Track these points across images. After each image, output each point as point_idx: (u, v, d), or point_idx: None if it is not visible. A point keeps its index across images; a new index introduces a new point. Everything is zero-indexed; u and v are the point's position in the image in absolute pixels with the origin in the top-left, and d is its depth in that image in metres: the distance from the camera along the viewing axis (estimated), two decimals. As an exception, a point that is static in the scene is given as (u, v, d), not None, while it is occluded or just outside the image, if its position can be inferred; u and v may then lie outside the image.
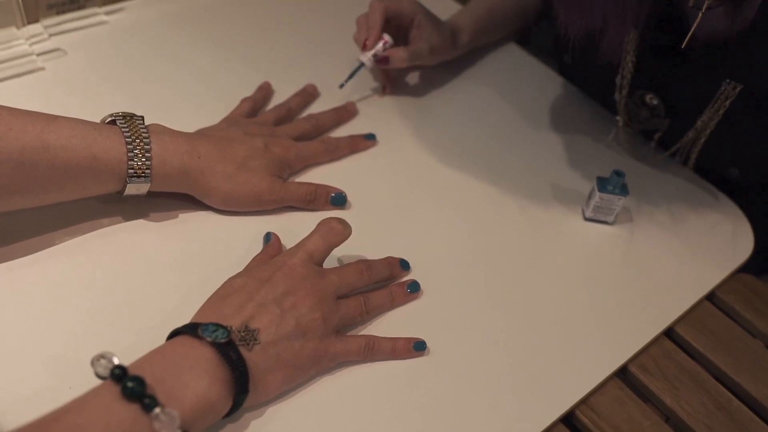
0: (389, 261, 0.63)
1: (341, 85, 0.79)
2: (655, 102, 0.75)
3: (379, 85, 0.83)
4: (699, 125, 0.72)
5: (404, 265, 0.64)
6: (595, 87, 0.85)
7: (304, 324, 0.53)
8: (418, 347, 0.59)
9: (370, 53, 0.78)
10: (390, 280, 0.63)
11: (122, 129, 0.59)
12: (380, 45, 0.78)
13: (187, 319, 0.54)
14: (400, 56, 0.78)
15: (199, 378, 0.47)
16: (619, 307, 0.66)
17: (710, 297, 0.70)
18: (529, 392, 0.58)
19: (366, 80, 0.84)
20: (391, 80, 0.83)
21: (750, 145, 0.73)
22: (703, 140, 0.74)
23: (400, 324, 0.61)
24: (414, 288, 0.63)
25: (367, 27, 0.78)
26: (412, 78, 0.86)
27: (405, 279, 0.64)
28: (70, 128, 0.57)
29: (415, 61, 0.79)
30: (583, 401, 0.59)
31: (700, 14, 0.60)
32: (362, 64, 0.78)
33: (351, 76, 0.79)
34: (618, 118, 0.79)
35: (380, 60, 0.78)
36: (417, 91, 0.85)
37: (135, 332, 0.56)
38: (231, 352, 0.49)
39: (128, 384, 0.44)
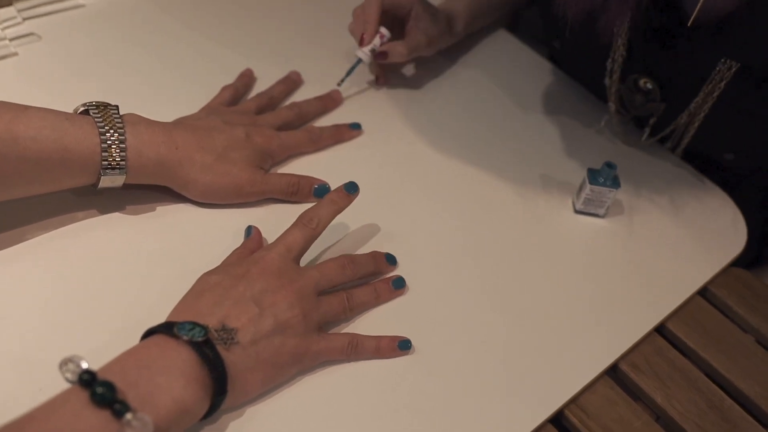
0: (374, 255, 0.61)
1: (339, 83, 0.77)
2: (649, 86, 0.73)
3: (362, 69, 0.81)
4: (693, 108, 0.71)
5: (390, 260, 0.62)
6: (586, 73, 0.84)
7: (283, 321, 0.52)
8: (403, 346, 0.57)
9: (367, 48, 0.75)
10: (375, 276, 0.62)
11: (95, 119, 0.57)
12: (377, 40, 0.76)
13: (163, 318, 0.52)
14: (398, 51, 0.76)
15: (174, 380, 0.46)
16: (609, 302, 0.65)
17: (702, 292, 0.68)
18: (516, 392, 0.57)
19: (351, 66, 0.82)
20: (382, 69, 0.81)
21: (747, 128, 0.71)
22: (697, 124, 0.73)
23: (384, 321, 0.59)
24: (399, 284, 0.61)
25: (364, 21, 0.76)
26: (401, 65, 0.84)
27: (391, 275, 0.62)
28: (40, 119, 0.55)
29: (414, 54, 0.78)
30: (573, 401, 0.58)
31: None
32: (360, 60, 0.76)
33: (349, 72, 0.76)
34: (610, 104, 0.77)
35: (378, 55, 0.76)
36: (405, 79, 0.83)
37: (109, 331, 0.54)
38: (208, 351, 0.48)
39: (97, 389, 0.42)
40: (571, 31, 0.64)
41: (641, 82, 0.74)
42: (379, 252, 0.62)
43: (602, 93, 0.79)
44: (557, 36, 0.83)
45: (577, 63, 0.85)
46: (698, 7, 0.61)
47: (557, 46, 0.85)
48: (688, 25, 0.61)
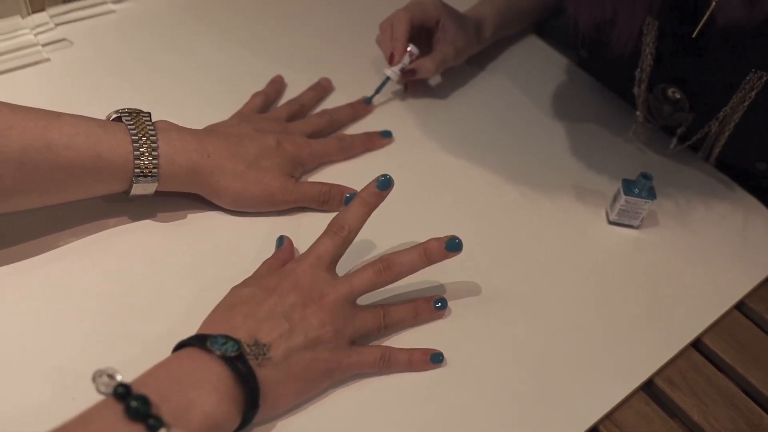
0: (425, 249, 0.56)
1: (368, 100, 0.76)
2: (677, 96, 0.72)
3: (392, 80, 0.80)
4: (722, 117, 0.69)
5: (452, 246, 0.56)
6: (614, 82, 0.82)
7: (314, 338, 0.51)
8: (435, 359, 0.56)
9: (396, 68, 0.75)
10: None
11: (128, 126, 0.57)
12: (406, 58, 0.75)
13: (194, 328, 0.52)
14: (426, 67, 0.75)
15: (207, 395, 0.45)
16: (644, 316, 0.63)
17: (739, 306, 0.67)
18: (550, 407, 0.56)
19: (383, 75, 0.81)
20: (413, 82, 0.80)
21: None
22: (727, 133, 0.71)
23: (413, 332, 0.59)
24: (442, 305, 0.60)
25: (393, 38, 0.75)
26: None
27: (433, 295, 0.61)
28: (73, 126, 0.55)
29: (442, 67, 0.77)
30: (607, 417, 0.57)
31: (714, 2, 0.59)
32: (388, 78, 0.76)
33: (378, 90, 0.76)
34: (638, 113, 0.76)
35: (407, 72, 0.76)
36: (434, 86, 0.82)
37: (141, 342, 0.54)
38: (241, 366, 0.47)
39: (132, 403, 0.41)
40: (594, 41, 0.63)
41: (669, 91, 0.72)
42: (435, 241, 0.57)
43: (631, 101, 0.78)
44: (584, 46, 0.82)
45: (604, 72, 0.83)
46: (703, 20, 0.61)
47: (585, 56, 0.84)
48: (692, 36, 0.61)
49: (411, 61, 0.75)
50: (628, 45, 0.68)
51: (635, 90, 0.75)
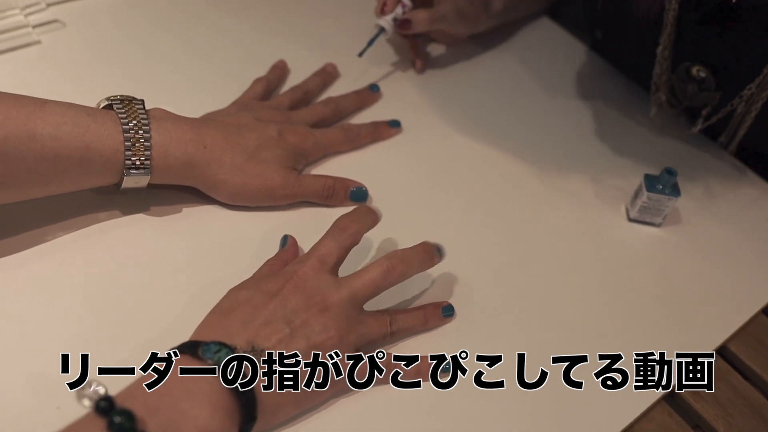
0: (425, 248, 0.54)
1: (360, 54, 0.73)
2: (702, 74, 0.68)
3: (399, 60, 0.76)
4: (749, 96, 0.66)
5: (441, 251, 0.55)
6: (631, 64, 0.79)
7: (317, 344, 0.48)
8: (447, 312, 0.56)
9: (389, 17, 0.71)
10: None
11: (119, 115, 0.54)
12: (399, 9, 0.71)
13: (188, 332, 0.49)
14: (421, 17, 0.71)
15: (199, 406, 0.42)
16: (666, 319, 0.60)
17: (766, 310, 0.63)
18: (568, 419, 0.53)
19: (390, 58, 0.77)
20: (420, 54, 0.77)
21: None
22: (754, 113, 0.67)
23: (421, 338, 0.55)
24: (449, 312, 0.56)
25: None
26: (439, 56, 0.79)
27: (441, 301, 0.57)
28: (60, 114, 0.51)
29: (440, 23, 0.73)
30: (628, 429, 0.53)
31: None
32: (382, 29, 0.72)
33: (370, 43, 0.72)
34: (660, 95, 0.72)
35: (400, 24, 0.72)
36: (445, 71, 0.78)
37: (131, 346, 0.50)
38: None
39: (115, 419, 0.39)
40: (610, 17, 0.59)
41: (693, 70, 0.68)
42: (429, 243, 0.55)
43: (647, 84, 0.74)
44: (600, 26, 0.78)
45: (620, 53, 0.79)
46: None
47: (599, 37, 0.80)
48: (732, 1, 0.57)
49: (404, 13, 0.72)
50: (652, 9, 0.64)
51: (655, 70, 0.71)
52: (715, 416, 0.56)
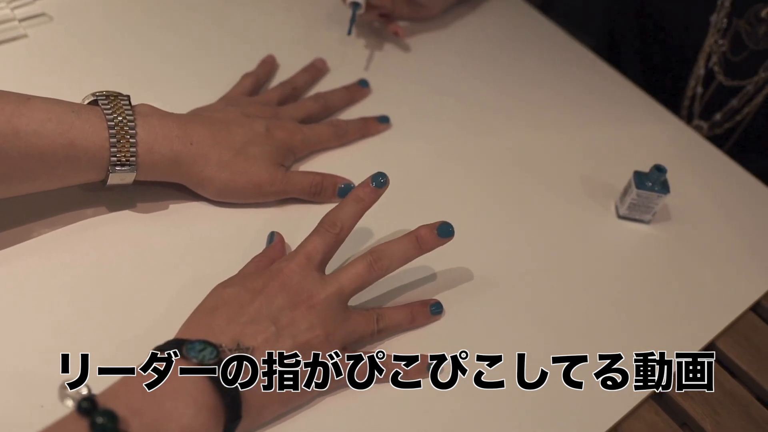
0: (413, 238, 0.53)
1: (348, 32, 0.73)
2: None
3: (387, 55, 0.76)
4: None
5: (443, 232, 0.53)
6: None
7: (303, 342, 0.47)
8: (435, 310, 0.56)
9: None
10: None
11: (104, 110, 0.53)
12: None
13: (175, 329, 0.48)
14: None
15: (183, 406, 0.42)
16: (653, 318, 0.60)
17: (755, 308, 0.63)
18: (555, 418, 0.53)
19: (378, 53, 0.77)
20: (395, 24, 0.76)
21: None
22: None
23: (409, 337, 0.55)
24: (438, 309, 0.56)
25: None
26: (428, 54, 0.79)
27: (429, 298, 0.57)
28: (44, 111, 0.51)
29: None
30: (615, 428, 0.53)
31: None
32: (356, 5, 0.71)
33: (351, 22, 0.72)
34: (721, 41, 0.73)
35: None
36: (435, 69, 0.77)
37: (116, 343, 0.50)
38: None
39: (97, 419, 0.38)
40: None
41: (764, 12, 0.69)
42: (425, 228, 0.53)
43: (683, 54, 0.74)
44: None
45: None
46: None
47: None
48: None
49: None
50: None
51: (713, 18, 0.72)
52: (702, 414, 0.56)
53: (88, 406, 0.39)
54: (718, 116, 0.77)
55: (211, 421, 0.43)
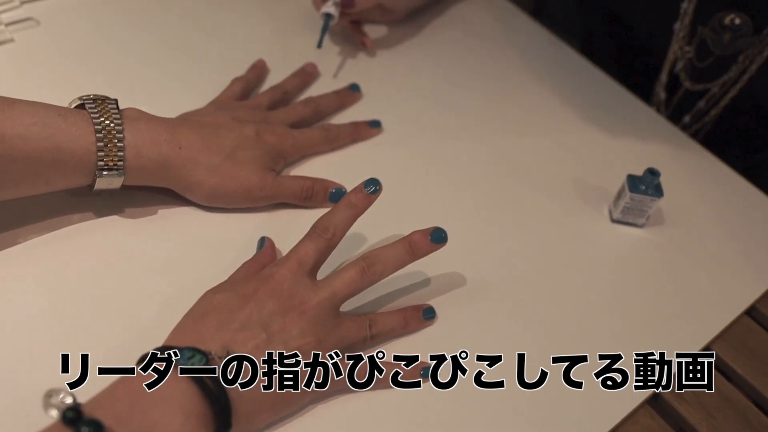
0: (408, 242, 0.52)
1: (319, 44, 0.72)
2: (737, 21, 0.68)
3: (376, 59, 0.75)
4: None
5: (436, 238, 0.53)
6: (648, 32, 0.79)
7: (294, 349, 0.46)
8: (428, 315, 0.55)
9: (330, 2, 0.70)
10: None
11: (91, 114, 0.52)
12: None
13: (163, 336, 0.48)
14: None
15: (171, 415, 0.41)
16: (648, 323, 0.59)
17: (750, 311, 0.63)
18: (550, 423, 0.52)
19: (372, 61, 0.76)
20: (365, 34, 0.76)
21: None
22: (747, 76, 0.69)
23: (404, 342, 0.54)
24: (431, 314, 0.56)
25: None
26: (420, 60, 0.78)
27: (421, 303, 0.57)
28: (30, 114, 0.50)
29: None
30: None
31: None
32: (329, 15, 0.71)
33: (323, 32, 0.72)
34: (686, 48, 0.73)
35: (345, 4, 0.71)
36: (423, 74, 0.77)
37: (104, 350, 0.49)
38: (209, 381, 0.42)
39: (83, 429, 0.37)
40: None
41: (727, 19, 0.69)
42: (419, 234, 0.53)
43: (653, 62, 0.75)
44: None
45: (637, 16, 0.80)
46: None
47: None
48: None
49: None
50: None
51: (676, 25, 0.72)
52: (698, 419, 0.55)
53: (73, 416, 0.38)
54: (687, 119, 0.77)
55: (200, 430, 0.42)
